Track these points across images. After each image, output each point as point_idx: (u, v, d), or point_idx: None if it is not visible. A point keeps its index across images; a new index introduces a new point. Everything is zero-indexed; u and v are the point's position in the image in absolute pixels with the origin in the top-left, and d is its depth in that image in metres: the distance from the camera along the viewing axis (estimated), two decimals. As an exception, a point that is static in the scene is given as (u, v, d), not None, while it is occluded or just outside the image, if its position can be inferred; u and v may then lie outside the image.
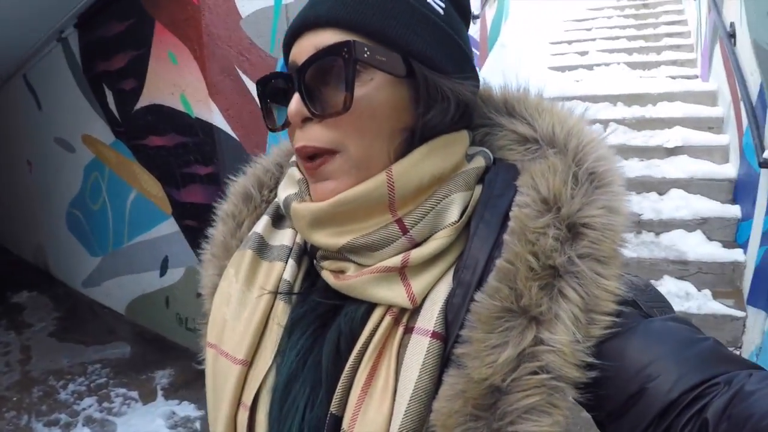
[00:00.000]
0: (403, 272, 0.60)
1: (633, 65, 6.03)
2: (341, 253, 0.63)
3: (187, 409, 3.14)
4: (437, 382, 0.56)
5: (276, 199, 0.75)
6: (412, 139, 0.62)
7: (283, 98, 0.65)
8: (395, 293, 0.60)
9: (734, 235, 3.66)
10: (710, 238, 3.62)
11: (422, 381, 0.56)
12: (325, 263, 0.65)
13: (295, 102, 0.60)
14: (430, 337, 0.57)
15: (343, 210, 0.61)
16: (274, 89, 0.67)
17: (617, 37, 6.95)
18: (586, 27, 7.58)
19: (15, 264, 6.91)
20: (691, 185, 3.99)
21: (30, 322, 4.72)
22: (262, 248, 0.72)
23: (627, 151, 4.41)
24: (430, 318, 0.58)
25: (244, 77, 3.17)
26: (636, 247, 3.62)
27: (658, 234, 3.75)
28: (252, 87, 3.21)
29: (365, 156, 0.61)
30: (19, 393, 3.47)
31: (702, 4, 5.33)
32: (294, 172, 0.69)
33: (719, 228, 3.67)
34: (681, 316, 0.59)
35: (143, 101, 3.39)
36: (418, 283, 0.60)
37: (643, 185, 4.08)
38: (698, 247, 3.53)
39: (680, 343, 0.54)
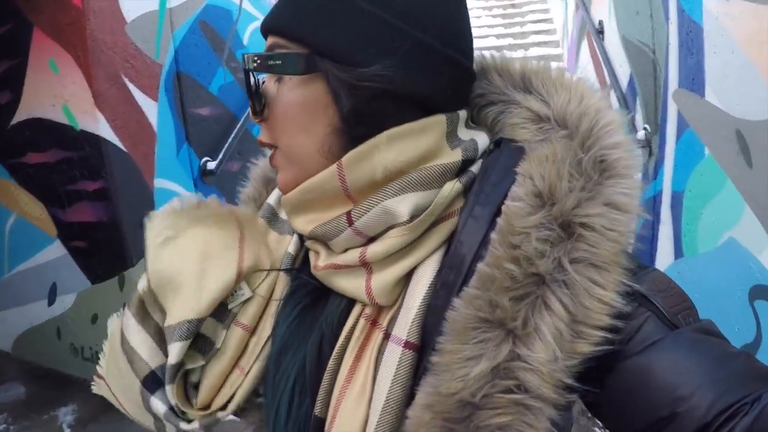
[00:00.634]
0: (368, 267, 0.59)
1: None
2: (313, 237, 0.64)
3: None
4: (411, 392, 0.55)
5: None
6: (350, 134, 0.59)
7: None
8: (353, 286, 0.59)
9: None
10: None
11: (394, 392, 0.55)
12: (309, 243, 0.67)
13: (251, 104, 0.65)
14: (403, 347, 0.56)
15: (306, 199, 0.62)
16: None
17: (486, 36, 7.23)
18: (455, 28, 7.89)
19: None
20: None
21: None
22: (272, 218, 0.75)
23: None
24: (404, 326, 0.56)
25: (130, 85, 3.01)
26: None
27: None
28: (138, 95, 3.05)
29: (293, 152, 0.63)
30: None
31: (569, 3, 5.75)
32: None
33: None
34: (707, 322, 0.55)
35: (20, 115, 3.10)
36: (378, 280, 0.58)
37: None
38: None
39: (713, 361, 0.51)
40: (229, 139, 3.59)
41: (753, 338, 1.70)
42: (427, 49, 0.59)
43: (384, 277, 0.58)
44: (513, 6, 8.33)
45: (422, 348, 0.56)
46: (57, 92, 2.90)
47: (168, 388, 0.68)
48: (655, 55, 2.82)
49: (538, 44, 6.81)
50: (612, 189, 0.53)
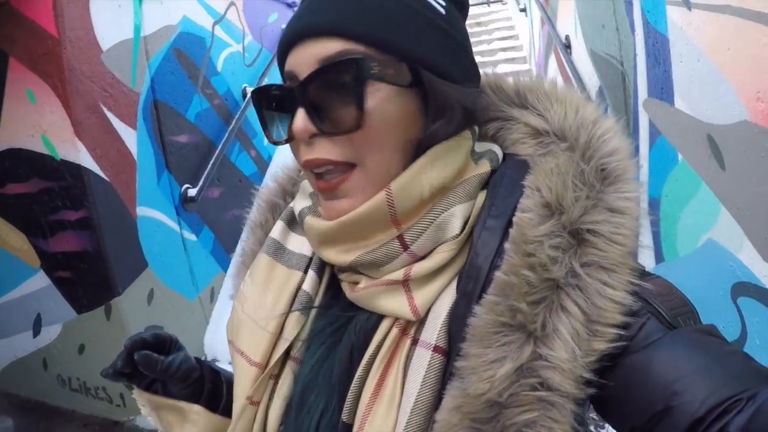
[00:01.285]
0: (406, 284, 0.60)
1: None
2: (353, 268, 0.64)
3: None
4: (439, 395, 0.57)
5: (291, 204, 0.77)
6: (418, 150, 0.62)
7: (281, 107, 0.64)
8: (399, 305, 0.60)
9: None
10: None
11: (423, 394, 0.57)
12: (343, 275, 0.67)
13: (301, 119, 0.59)
14: (432, 351, 0.58)
15: (348, 230, 0.61)
16: (273, 100, 0.65)
17: None
18: (421, 46, 7.98)
19: None
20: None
21: None
22: (278, 252, 0.74)
23: None
24: (432, 331, 0.59)
25: (109, 114, 3.01)
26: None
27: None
28: (117, 124, 3.05)
29: (384, 169, 0.60)
30: None
31: (534, 19, 5.90)
32: (306, 185, 0.70)
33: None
34: (708, 325, 0.57)
35: (-2, 147, 3.08)
36: (421, 296, 0.60)
37: None
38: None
39: (709, 358, 0.52)
40: (209, 166, 3.60)
41: (738, 335, 1.76)
42: (474, 67, 0.66)
43: (427, 293, 0.59)
44: (478, 24, 8.49)
45: (449, 353, 0.58)
46: (35, 122, 2.88)
47: None
48: (623, 66, 2.92)
49: (506, 61, 6.95)
50: (613, 195, 0.57)
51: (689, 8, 1.93)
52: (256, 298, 0.71)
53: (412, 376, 0.58)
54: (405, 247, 0.60)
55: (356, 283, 0.65)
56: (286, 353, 0.69)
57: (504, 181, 0.62)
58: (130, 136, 3.15)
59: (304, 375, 0.66)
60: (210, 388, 0.83)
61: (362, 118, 0.57)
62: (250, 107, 3.96)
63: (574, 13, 3.89)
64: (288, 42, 0.62)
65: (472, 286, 0.58)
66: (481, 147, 0.66)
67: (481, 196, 0.63)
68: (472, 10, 9.88)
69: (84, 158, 2.85)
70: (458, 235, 0.60)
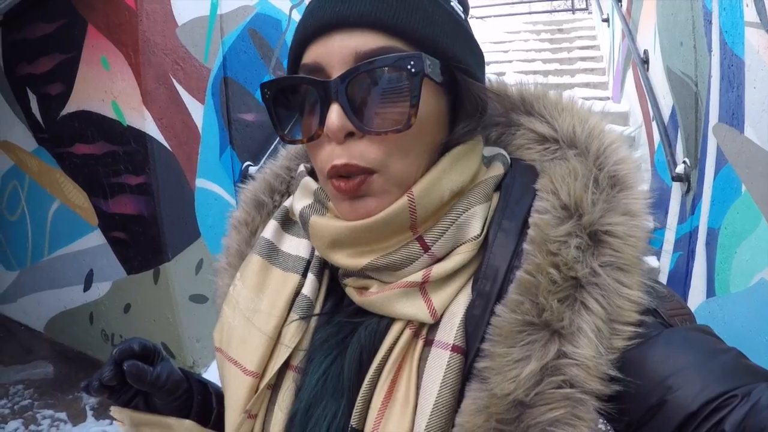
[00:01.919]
0: (423, 287, 0.59)
1: (548, 87, 6.34)
2: (362, 272, 0.62)
3: (120, 429, 2.99)
4: (459, 396, 0.55)
5: (285, 204, 0.74)
6: (440, 153, 0.61)
7: (297, 106, 0.61)
8: (416, 309, 0.58)
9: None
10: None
11: (443, 396, 0.55)
12: (348, 280, 0.64)
13: (337, 116, 0.55)
14: (451, 350, 0.56)
15: (365, 234, 0.59)
16: (294, 94, 0.61)
17: (533, 60, 7.22)
18: (503, 49, 7.83)
19: None
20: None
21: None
22: (272, 253, 0.70)
23: None
24: (450, 331, 0.57)
25: (178, 86, 3.12)
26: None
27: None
28: (186, 97, 3.16)
29: (405, 175, 0.59)
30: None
31: (615, 31, 5.70)
32: (309, 183, 0.67)
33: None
34: (704, 326, 0.58)
35: (70, 107, 3.24)
36: (439, 298, 0.58)
37: None
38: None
39: (702, 354, 0.53)
40: (272, 146, 3.67)
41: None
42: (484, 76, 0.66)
43: (445, 295, 0.59)
44: (561, 31, 8.32)
45: (467, 353, 0.57)
46: (107, 88, 3.03)
47: None
48: (697, 87, 2.78)
49: (584, 71, 6.75)
50: (626, 200, 0.58)
51: None
52: (250, 303, 0.68)
53: (429, 376, 0.56)
54: (426, 248, 0.59)
55: (365, 288, 0.63)
56: (285, 362, 0.65)
57: (515, 185, 0.62)
58: (197, 110, 3.25)
59: (310, 387, 0.63)
60: (200, 400, 0.78)
61: (414, 117, 0.55)
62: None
63: (655, 28, 3.73)
64: (315, 31, 0.58)
65: (489, 287, 0.58)
66: (488, 151, 0.67)
67: (495, 198, 0.63)
68: (555, 16, 9.72)
69: (149, 126, 2.97)
70: (478, 235, 0.59)
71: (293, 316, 0.65)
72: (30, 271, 4.17)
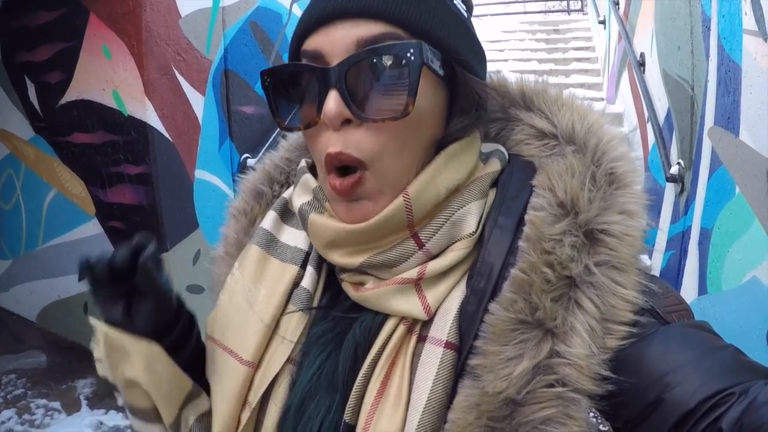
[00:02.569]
0: (418, 284, 0.59)
1: (548, 83, 6.40)
2: (359, 269, 0.62)
3: (115, 418, 3.02)
4: (451, 393, 0.55)
5: (284, 194, 0.74)
6: (436, 150, 0.61)
7: (296, 94, 0.60)
8: (411, 305, 0.58)
9: (639, 243, 4.01)
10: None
11: (436, 392, 0.55)
12: (345, 275, 0.64)
13: (335, 102, 0.55)
14: (444, 347, 0.56)
15: (362, 237, 0.59)
16: (293, 80, 0.61)
17: (529, 59, 7.28)
18: (499, 48, 7.88)
19: None
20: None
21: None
22: (270, 244, 0.69)
23: None
24: (443, 327, 0.57)
25: (180, 77, 3.13)
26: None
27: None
28: (187, 88, 3.17)
29: (398, 174, 0.58)
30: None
31: (612, 33, 5.77)
32: (308, 181, 0.66)
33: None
34: (701, 321, 0.58)
35: (70, 96, 3.24)
36: (433, 294, 0.59)
37: None
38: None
39: (700, 351, 0.53)
40: (270, 139, 3.69)
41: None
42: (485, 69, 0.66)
43: (439, 291, 0.59)
44: (557, 32, 8.39)
45: (460, 350, 0.57)
46: (108, 77, 3.03)
47: None
48: (693, 91, 2.84)
49: (579, 71, 6.83)
50: (624, 199, 0.57)
51: (765, 39, 1.87)
52: (248, 293, 0.67)
53: (422, 373, 0.56)
54: (420, 245, 0.59)
55: (361, 283, 0.63)
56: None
57: (512, 181, 0.62)
58: (198, 101, 3.26)
59: (304, 382, 0.62)
60: (186, 325, 0.71)
61: (412, 106, 0.55)
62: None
63: (652, 32, 3.79)
64: (318, 19, 0.58)
65: (484, 284, 0.57)
66: (486, 147, 0.66)
67: (491, 195, 0.62)
68: (551, 17, 9.79)
69: (151, 116, 2.98)
70: (473, 232, 0.59)
71: (291, 307, 0.65)
72: (24, 261, 4.15)
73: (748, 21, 1.99)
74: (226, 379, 0.65)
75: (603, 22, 6.23)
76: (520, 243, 0.57)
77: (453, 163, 0.60)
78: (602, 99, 6.03)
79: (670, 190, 3.31)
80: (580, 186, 0.57)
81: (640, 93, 4.16)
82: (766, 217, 1.84)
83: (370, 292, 0.60)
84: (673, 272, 3.04)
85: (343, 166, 0.58)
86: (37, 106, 3.50)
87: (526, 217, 0.58)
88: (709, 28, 2.49)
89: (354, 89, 0.55)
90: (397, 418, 0.56)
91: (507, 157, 0.66)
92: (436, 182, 0.59)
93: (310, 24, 0.58)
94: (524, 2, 10.92)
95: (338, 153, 0.56)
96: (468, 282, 0.59)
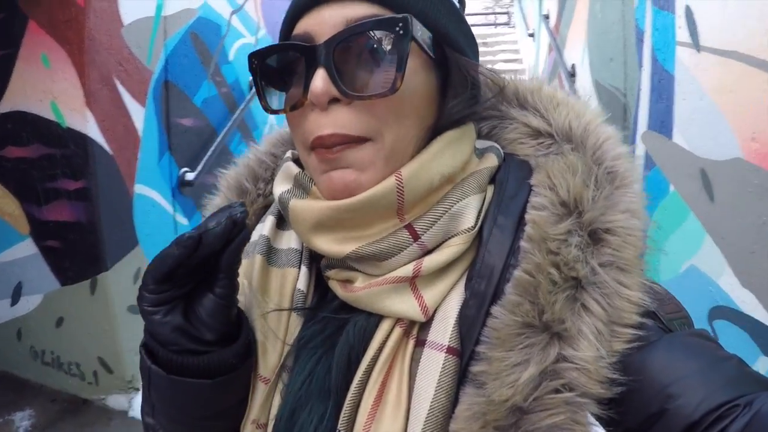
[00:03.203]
0: (413, 282, 0.56)
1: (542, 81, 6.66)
2: (346, 262, 0.59)
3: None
4: (454, 401, 0.53)
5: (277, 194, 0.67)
6: (433, 133, 0.59)
7: (283, 75, 0.58)
8: (407, 306, 0.55)
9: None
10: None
11: (439, 400, 0.53)
12: (331, 272, 0.61)
13: (322, 79, 0.53)
14: (446, 352, 0.54)
15: (349, 215, 0.56)
16: (279, 61, 0.59)
17: None
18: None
19: None
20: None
21: None
22: (269, 252, 0.65)
23: None
24: (444, 331, 0.54)
25: (121, 88, 3.04)
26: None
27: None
28: (127, 99, 3.08)
29: (401, 146, 0.56)
30: None
31: (541, 46, 6.05)
32: (290, 167, 0.63)
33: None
34: (701, 330, 0.57)
35: (3, 107, 3.07)
36: (430, 294, 0.56)
37: None
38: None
39: (704, 362, 0.51)
40: (209, 152, 3.62)
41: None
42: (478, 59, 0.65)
43: (437, 291, 0.56)
44: (485, 44, 8.66)
45: (462, 355, 0.55)
46: (47, 87, 2.90)
47: None
48: (626, 99, 3.03)
49: (508, 84, 7.10)
50: (626, 198, 0.56)
51: (698, 50, 2.04)
52: (261, 306, 0.63)
53: (423, 379, 0.54)
54: (415, 237, 0.56)
55: (348, 281, 0.59)
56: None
57: (510, 179, 0.60)
58: (139, 113, 3.18)
59: (294, 390, 0.59)
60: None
61: (401, 81, 0.52)
62: (255, 99, 3.94)
63: (584, 44, 4.02)
64: (307, 3, 0.57)
65: (485, 286, 0.55)
66: (480, 143, 0.65)
67: (488, 192, 0.61)
68: (479, 30, 10.09)
69: (91, 129, 2.87)
70: (472, 227, 0.57)
71: (292, 314, 0.62)
72: (-52, 285, 3.89)
73: (682, 34, 2.17)
74: (253, 401, 0.62)
75: (533, 35, 6.52)
76: (522, 243, 0.55)
77: (450, 150, 0.58)
78: (532, 109, 6.32)
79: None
80: (583, 184, 0.56)
81: (571, 102, 4.40)
82: (702, 210, 2.00)
83: (361, 292, 0.57)
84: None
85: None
86: (-36, 120, 3.31)
87: (527, 216, 0.56)
88: (642, 41, 2.69)
89: (341, 67, 0.53)
90: (397, 427, 0.53)
91: (503, 154, 0.64)
92: (431, 167, 0.56)
93: (300, 7, 0.57)
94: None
95: (330, 135, 0.54)
96: (467, 284, 0.56)
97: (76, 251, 3.08)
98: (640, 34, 2.73)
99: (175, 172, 3.53)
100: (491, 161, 0.62)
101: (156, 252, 0.55)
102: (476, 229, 0.57)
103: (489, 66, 0.66)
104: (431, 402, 0.52)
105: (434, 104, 0.59)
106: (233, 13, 4.08)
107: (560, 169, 0.58)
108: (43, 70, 2.90)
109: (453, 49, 0.59)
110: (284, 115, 0.60)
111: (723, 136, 1.82)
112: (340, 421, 0.56)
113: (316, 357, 0.60)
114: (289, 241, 0.66)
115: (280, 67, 0.58)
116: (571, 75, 4.28)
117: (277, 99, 0.59)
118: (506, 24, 9.89)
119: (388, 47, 0.53)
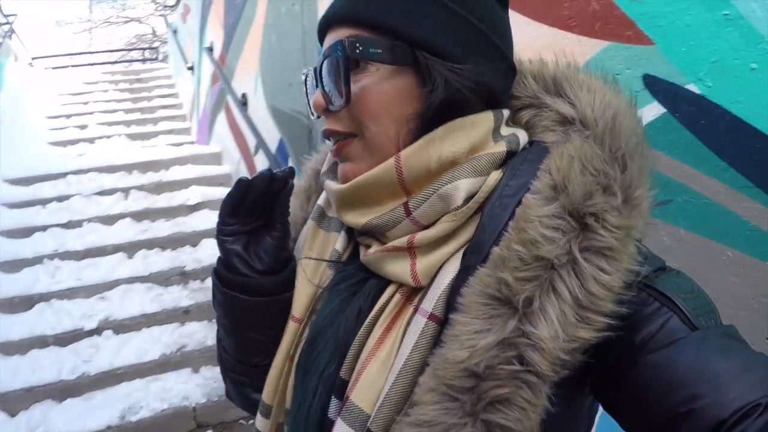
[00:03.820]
0: (412, 251, 0.63)
1: (133, 136, 6.41)
2: (366, 232, 0.68)
3: None
4: (425, 361, 0.58)
5: None
6: (426, 123, 0.63)
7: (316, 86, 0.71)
8: (400, 270, 0.62)
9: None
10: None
11: (412, 358, 0.58)
12: (360, 238, 0.70)
13: (317, 96, 0.66)
14: (428, 318, 0.59)
15: (360, 193, 0.65)
16: (313, 80, 0.71)
17: (115, 110, 7.17)
18: (83, 101, 7.51)
19: None
20: (218, 232, 4.58)
21: None
22: (321, 218, 0.77)
23: (153, 214, 4.77)
24: (431, 300, 0.60)
25: None
26: (192, 294, 3.94)
27: (204, 280, 4.16)
28: None
29: (382, 139, 0.64)
30: None
31: (202, 78, 6.12)
32: (330, 155, 0.74)
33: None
34: (729, 326, 0.57)
35: None
36: (423, 263, 0.62)
37: (177, 241, 4.48)
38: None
39: (735, 363, 0.51)
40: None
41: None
42: (496, 50, 0.66)
43: (429, 261, 0.62)
44: (139, 81, 8.40)
45: (444, 323, 0.59)
46: None
47: None
48: (309, 120, 3.32)
49: (166, 118, 7.02)
50: (624, 184, 0.56)
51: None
52: (304, 263, 0.75)
53: (406, 340, 0.60)
54: (408, 213, 0.63)
55: (368, 246, 0.68)
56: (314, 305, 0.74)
57: (523, 165, 0.63)
58: None
59: (318, 321, 0.70)
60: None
61: (348, 95, 0.63)
62: None
63: (257, 73, 4.22)
64: (321, 30, 0.69)
65: (474, 260, 0.59)
66: (507, 131, 0.67)
67: (495, 175, 0.64)
68: (133, 66, 9.71)
69: None
70: (459, 207, 0.61)
71: (327, 269, 0.74)
72: None
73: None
74: (285, 336, 0.73)
75: (191, 68, 6.52)
76: (509, 223, 0.58)
77: (451, 137, 0.63)
78: (193, 142, 6.33)
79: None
80: (574, 167, 0.57)
81: (243, 129, 4.57)
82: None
83: (371, 256, 0.66)
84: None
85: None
86: None
87: (523, 198, 0.59)
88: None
89: (326, 85, 0.66)
90: (381, 379, 0.60)
91: (522, 141, 0.67)
92: (428, 151, 0.62)
93: (319, 34, 0.70)
94: (105, 51, 10.50)
95: (325, 129, 0.68)
96: (463, 259, 0.61)
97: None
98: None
99: None
100: (498, 147, 0.64)
101: None
102: (466, 208, 0.61)
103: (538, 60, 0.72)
104: (406, 359, 0.58)
105: (415, 98, 0.64)
106: None
107: (560, 152, 0.60)
108: None
109: (429, 51, 0.63)
110: None
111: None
112: (342, 368, 0.65)
113: (339, 299, 0.69)
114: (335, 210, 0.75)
115: (314, 81, 0.70)
116: (243, 104, 4.45)
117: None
118: (155, 59, 9.65)
119: (337, 68, 0.64)
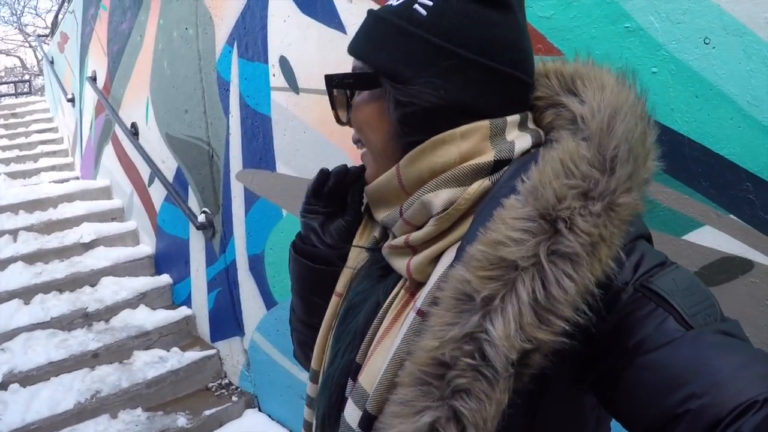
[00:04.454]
0: (413, 249, 0.70)
1: (14, 175, 6.04)
2: (384, 226, 0.78)
3: None
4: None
5: None
6: (406, 137, 0.70)
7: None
8: (401, 264, 0.71)
9: (171, 298, 4.27)
10: (154, 307, 4.09)
11: (401, 348, 0.63)
12: (389, 231, 0.79)
13: (337, 110, 0.80)
14: (416, 313, 0.64)
15: (377, 194, 0.76)
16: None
17: None
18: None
19: None
20: (117, 270, 4.40)
21: None
22: (369, 213, 0.87)
23: (45, 255, 4.50)
24: (421, 296, 0.65)
25: None
26: (98, 336, 3.74)
27: (108, 320, 3.97)
28: None
29: (381, 149, 0.75)
30: None
31: (84, 110, 5.82)
32: None
33: (158, 297, 4.20)
34: (729, 322, 0.56)
35: None
36: (417, 260, 0.68)
37: (75, 282, 4.24)
38: (150, 318, 3.94)
39: (731, 361, 0.51)
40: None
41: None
42: (470, 64, 0.66)
43: (420, 258, 0.68)
44: (15, 116, 7.89)
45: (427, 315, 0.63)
46: None
47: None
48: (210, 146, 3.29)
49: (47, 154, 6.64)
50: (608, 188, 0.56)
51: (297, 92, 2.47)
52: (353, 249, 0.87)
53: (400, 332, 0.66)
54: (401, 214, 0.71)
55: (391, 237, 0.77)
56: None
57: (519, 167, 0.64)
58: None
59: (350, 298, 0.80)
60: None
61: (342, 117, 0.79)
62: None
63: (147, 101, 4.09)
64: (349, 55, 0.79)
65: (457, 261, 0.61)
66: (515, 135, 0.69)
67: (480, 183, 0.66)
68: (6, 101, 8.93)
69: None
70: (438, 213, 0.66)
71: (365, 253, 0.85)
72: None
73: (277, 80, 2.57)
74: (329, 308, 0.84)
75: (72, 100, 6.16)
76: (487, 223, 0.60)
77: (440, 147, 0.67)
78: (77, 178, 6.01)
79: (197, 238, 3.69)
80: (554, 170, 0.57)
81: (135, 159, 4.41)
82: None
83: (386, 249, 0.75)
84: (227, 305, 3.43)
85: None
86: None
87: (504, 200, 0.59)
88: (228, 90, 2.99)
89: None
90: (381, 366, 0.66)
91: (516, 146, 0.67)
92: (420, 161, 0.69)
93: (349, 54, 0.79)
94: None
95: (353, 136, 0.80)
96: (456, 257, 0.63)
97: None
98: (226, 84, 3.01)
99: None
100: (486, 158, 0.66)
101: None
102: (445, 214, 0.66)
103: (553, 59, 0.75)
104: (396, 348, 0.64)
105: (386, 119, 0.72)
106: None
107: (547, 154, 0.60)
108: None
109: (390, 77, 0.69)
110: None
111: (334, 156, 2.28)
112: (359, 354, 0.73)
113: (369, 279, 0.79)
114: None
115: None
116: (134, 133, 4.30)
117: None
118: (28, 92, 9.02)
119: (332, 92, 0.78)
